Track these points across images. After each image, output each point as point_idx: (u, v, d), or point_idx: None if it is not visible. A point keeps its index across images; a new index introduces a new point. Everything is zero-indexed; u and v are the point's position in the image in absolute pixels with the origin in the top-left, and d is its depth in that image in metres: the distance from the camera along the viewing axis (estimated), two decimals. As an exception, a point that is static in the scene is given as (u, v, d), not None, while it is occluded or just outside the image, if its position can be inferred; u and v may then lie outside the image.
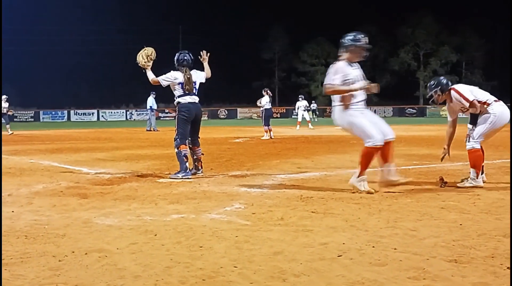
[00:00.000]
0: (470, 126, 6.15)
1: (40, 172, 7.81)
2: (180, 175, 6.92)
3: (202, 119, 7.61)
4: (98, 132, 22.99)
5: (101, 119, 48.22)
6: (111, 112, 50.06)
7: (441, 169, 7.32)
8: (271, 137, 16.20)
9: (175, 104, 7.27)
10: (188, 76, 7.19)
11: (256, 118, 42.22)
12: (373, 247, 3.46)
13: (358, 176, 5.61)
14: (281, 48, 63.81)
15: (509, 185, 5.94)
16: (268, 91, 17.30)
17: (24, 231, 4.01)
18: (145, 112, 36.04)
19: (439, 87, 6.15)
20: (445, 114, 6.35)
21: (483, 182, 6.00)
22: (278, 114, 47.50)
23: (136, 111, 49.78)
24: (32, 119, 46.92)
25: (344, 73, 5.59)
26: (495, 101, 6.02)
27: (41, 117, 47.69)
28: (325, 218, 4.40)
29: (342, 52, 5.77)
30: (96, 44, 62.50)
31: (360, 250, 3.40)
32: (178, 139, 7.13)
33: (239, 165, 8.47)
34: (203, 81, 7.48)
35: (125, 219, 4.41)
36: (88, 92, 63.75)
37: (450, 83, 6.20)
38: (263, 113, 16.99)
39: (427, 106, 47.96)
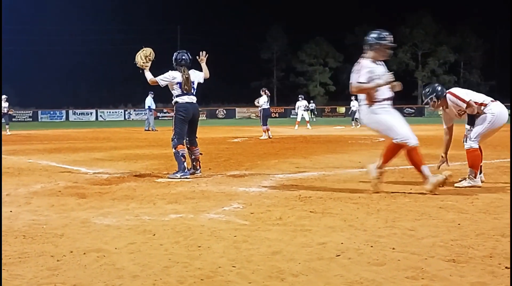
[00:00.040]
0: (468, 126, 6.15)
1: (39, 172, 7.81)
2: (178, 175, 6.91)
3: (200, 119, 7.60)
4: (96, 132, 22.96)
5: (100, 119, 48.16)
6: (110, 112, 49.98)
7: (440, 169, 7.31)
8: (269, 137, 16.21)
9: (173, 104, 7.27)
10: (187, 76, 7.18)
11: (254, 118, 42.19)
12: (372, 246, 3.46)
13: (378, 167, 5.59)
14: (280, 48, 63.73)
15: (507, 185, 5.96)
16: (266, 91, 17.27)
17: (22, 231, 4.01)
18: (143, 112, 36.01)
19: (434, 94, 6.12)
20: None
21: (482, 182, 6.00)
22: (277, 113, 47.51)
23: (134, 111, 49.71)
24: (31, 119, 46.80)
25: (369, 69, 5.48)
26: (491, 101, 6.01)
27: (39, 117, 47.61)
28: (323, 217, 4.40)
29: (367, 50, 5.65)
30: (95, 44, 62.45)
31: (359, 249, 3.40)
32: (175, 139, 7.12)
33: (237, 165, 8.47)
34: (202, 81, 7.47)
35: (124, 219, 4.41)
36: (87, 92, 63.76)
37: (444, 89, 6.18)
38: (261, 113, 17.00)
39: (425, 106, 47.89)
